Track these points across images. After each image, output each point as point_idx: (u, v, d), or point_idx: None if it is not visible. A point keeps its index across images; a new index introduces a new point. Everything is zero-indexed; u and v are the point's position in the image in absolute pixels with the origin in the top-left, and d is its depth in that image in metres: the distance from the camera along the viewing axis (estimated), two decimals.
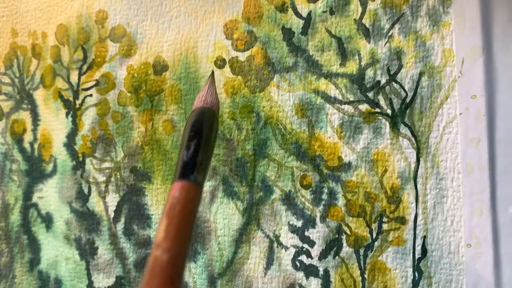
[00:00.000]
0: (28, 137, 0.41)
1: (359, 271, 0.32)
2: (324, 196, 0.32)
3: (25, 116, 0.41)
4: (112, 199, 0.38)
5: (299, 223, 0.33)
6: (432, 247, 0.30)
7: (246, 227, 0.34)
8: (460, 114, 0.30)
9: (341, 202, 0.32)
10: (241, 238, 0.34)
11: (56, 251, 0.40)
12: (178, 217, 0.22)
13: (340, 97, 0.32)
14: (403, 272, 0.31)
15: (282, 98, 0.34)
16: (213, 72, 0.33)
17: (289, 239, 0.33)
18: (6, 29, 0.42)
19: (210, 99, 0.30)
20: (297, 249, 0.33)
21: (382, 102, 0.31)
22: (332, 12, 0.33)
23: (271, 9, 0.34)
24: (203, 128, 0.27)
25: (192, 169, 0.25)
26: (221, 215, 0.35)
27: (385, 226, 0.31)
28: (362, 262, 0.31)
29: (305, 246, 0.33)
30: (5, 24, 0.43)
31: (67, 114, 0.40)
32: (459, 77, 0.30)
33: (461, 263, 0.30)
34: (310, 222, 0.33)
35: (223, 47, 0.35)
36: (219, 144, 0.35)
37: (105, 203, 0.38)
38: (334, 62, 0.33)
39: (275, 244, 0.34)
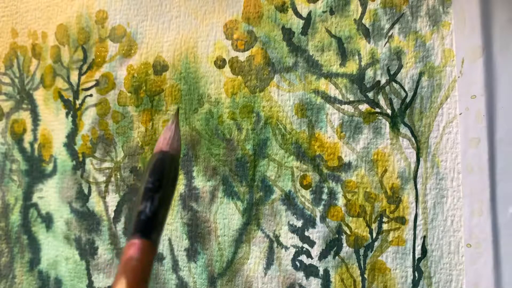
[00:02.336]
0: (28, 137, 0.41)
1: (359, 271, 0.32)
2: (324, 196, 0.32)
3: (25, 116, 0.41)
4: (112, 199, 0.38)
5: (299, 223, 0.33)
6: (432, 247, 0.30)
7: (246, 227, 0.34)
8: (460, 114, 0.30)
9: (341, 202, 0.32)
10: (241, 238, 0.34)
11: (56, 251, 0.40)
12: (137, 279, 0.23)
13: (340, 97, 0.32)
14: (403, 272, 0.31)
15: (282, 98, 0.34)
16: (177, 111, 0.33)
17: (289, 239, 0.33)
18: (6, 29, 0.42)
19: (171, 142, 0.29)
20: (297, 249, 0.33)
21: (382, 102, 0.31)
22: (332, 12, 0.33)
23: (271, 9, 0.34)
24: (164, 179, 0.26)
25: (154, 227, 0.24)
26: (221, 215, 0.35)
27: (385, 226, 0.31)
28: (362, 262, 0.31)
29: (305, 246, 0.33)
30: (5, 24, 0.43)
31: (67, 114, 0.40)
32: (459, 77, 0.30)
33: (461, 263, 0.30)
34: (310, 222, 0.33)
35: (223, 47, 0.35)
36: (219, 144, 0.35)
37: (105, 203, 0.38)
38: (334, 62, 0.33)
39: (275, 244, 0.34)
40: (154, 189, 0.25)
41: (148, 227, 0.24)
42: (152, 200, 0.25)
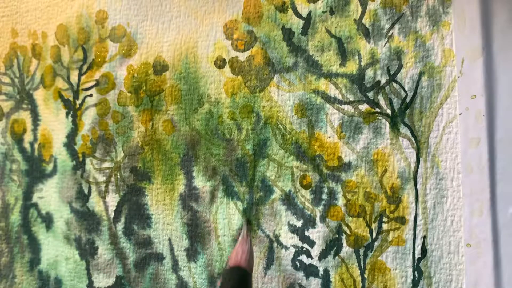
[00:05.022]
0: (28, 137, 0.41)
1: (359, 271, 0.32)
2: (324, 196, 0.32)
3: (25, 116, 0.41)
4: (112, 199, 0.38)
5: (299, 223, 0.33)
6: (432, 247, 0.30)
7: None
8: (460, 114, 0.30)
9: (341, 202, 0.32)
10: None
11: (56, 251, 0.40)
12: None
13: (340, 97, 0.32)
14: (403, 272, 0.31)
15: (282, 98, 0.34)
16: (247, 223, 0.33)
17: (289, 239, 0.33)
18: (6, 29, 0.42)
19: (249, 258, 0.29)
20: (297, 249, 0.33)
21: (382, 102, 0.31)
22: (332, 12, 0.33)
23: (271, 9, 0.34)
24: None
25: None
26: (221, 215, 0.35)
27: (385, 226, 0.31)
28: (362, 262, 0.31)
29: (305, 246, 0.33)
30: (5, 24, 0.43)
31: (67, 114, 0.40)
32: (459, 77, 0.30)
33: (461, 263, 0.30)
34: (310, 222, 0.33)
35: (223, 47, 0.35)
36: (219, 144, 0.35)
37: (105, 203, 0.38)
38: (334, 62, 0.33)
39: (275, 244, 0.34)
40: None
41: None
42: None
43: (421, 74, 0.31)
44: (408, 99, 0.31)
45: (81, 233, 0.39)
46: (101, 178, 0.38)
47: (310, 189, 0.33)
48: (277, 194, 0.34)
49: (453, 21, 0.30)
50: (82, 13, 0.39)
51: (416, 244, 0.30)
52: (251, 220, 0.33)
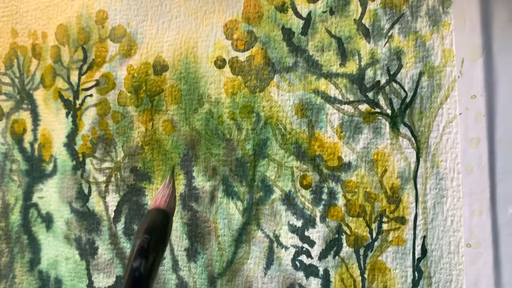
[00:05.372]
0: (28, 137, 0.41)
1: (359, 271, 0.32)
2: (324, 196, 0.32)
3: (25, 116, 0.41)
4: (112, 199, 0.38)
5: (299, 223, 0.33)
6: (432, 247, 0.30)
7: (246, 227, 0.34)
8: (460, 114, 0.30)
9: (341, 202, 0.32)
10: (241, 238, 0.34)
11: (56, 251, 0.40)
12: None
13: (340, 97, 0.32)
14: (403, 272, 0.31)
15: (282, 98, 0.34)
16: (173, 169, 0.34)
17: (289, 239, 0.33)
18: (6, 29, 0.42)
19: (168, 201, 0.30)
20: (297, 249, 0.33)
21: (382, 102, 0.31)
22: (332, 12, 0.33)
23: (271, 9, 0.34)
24: (160, 238, 0.28)
25: (147, 285, 0.26)
26: (221, 215, 0.35)
27: (385, 226, 0.31)
28: (362, 262, 0.32)
29: (305, 246, 0.33)
30: (5, 24, 0.43)
31: (67, 114, 0.40)
32: (459, 77, 0.30)
33: (461, 263, 0.30)
34: (310, 222, 0.33)
35: (223, 47, 0.35)
36: (219, 144, 0.35)
37: (105, 203, 0.38)
38: (334, 62, 0.33)
39: (275, 244, 0.34)
40: (150, 248, 0.27)
41: (142, 286, 0.26)
42: (147, 258, 0.26)
43: (421, 74, 0.31)
44: (408, 99, 0.31)
45: (81, 233, 0.39)
46: (101, 178, 0.38)
47: (310, 189, 0.33)
48: (277, 194, 0.34)
49: (453, 21, 0.30)
50: (82, 13, 0.39)
51: (416, 244, 0.30)
52: (175, 168, 0.34)
